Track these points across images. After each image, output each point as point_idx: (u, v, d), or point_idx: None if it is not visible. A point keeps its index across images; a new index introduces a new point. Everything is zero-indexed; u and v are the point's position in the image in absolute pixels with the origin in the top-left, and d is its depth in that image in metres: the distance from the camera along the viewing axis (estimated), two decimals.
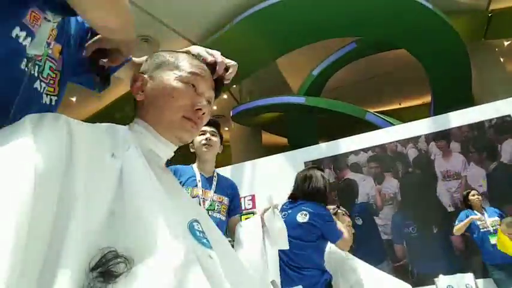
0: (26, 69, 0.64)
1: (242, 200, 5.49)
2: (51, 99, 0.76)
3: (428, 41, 6.34)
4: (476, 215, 3.75)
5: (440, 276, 3.62)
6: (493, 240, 3.50)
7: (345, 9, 6.02)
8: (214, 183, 1.89)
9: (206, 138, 1.88)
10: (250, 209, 5.41)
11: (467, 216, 3.77)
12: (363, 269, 2.27)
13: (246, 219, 5.99)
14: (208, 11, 6.38)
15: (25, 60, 0.64)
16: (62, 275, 0.41)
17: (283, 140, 10.03)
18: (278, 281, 1.60)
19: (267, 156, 5.88)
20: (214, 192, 1.85)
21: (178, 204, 0.67)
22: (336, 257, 2.41)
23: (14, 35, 0.61)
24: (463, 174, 4.57)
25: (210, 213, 1.75)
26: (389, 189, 4.85)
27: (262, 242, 1.68)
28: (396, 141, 4.96)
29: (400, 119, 6.63)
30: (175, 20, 6.37)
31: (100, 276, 0.43)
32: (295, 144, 7.16)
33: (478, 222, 3.68)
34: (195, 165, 1.94)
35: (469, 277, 3.82)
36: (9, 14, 0.61)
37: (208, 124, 1.92)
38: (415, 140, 4.86)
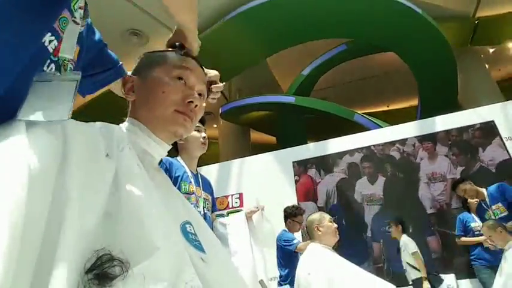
0: (49, 71, 0.63)
1: (230, 198, 5.48)
2: None
3: (417, 46, 6.44)
4: (474, 219, 3.77)
5: None
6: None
7: (335, 11, 6.06)
8: (200, 180, 1.87)
9: (204, 137, 1.87)
10: (238, 207, 5.41)
11: (464, 221, 3.80)
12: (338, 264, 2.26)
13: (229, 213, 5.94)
14: (199, 7, 6.33)
15: (49, 61, 0.63)
16: (57, 277, 0.40)
17: (272, 139, 10.06)
18: (266, 279, 1.62)
19: (255, 154, 5.88)
20: (202, 189, 1.84)
21: (171, 206, 0.67)
22: None
23: (43, 39, 0.61)
24: (448, 177, 4.65)
25: (205, 211, 1.74)
26: (379, 190, 4.91)
27: (249, 240, 1.70)
28: (384, 143, 5.02)
29: (388, 121, 6.72)
30: (166, 14, 6.32)
31: (95, 278, 0.42)
32: (283, 143, 7.18)
33: (474, 224, 3.72)
34: (181, 160, 1.87)
35: (450, 278, 3.91)
36: (43, 20, 0.60)
37: (202, 122, 1.91)
38: (402, 142, 4.94)
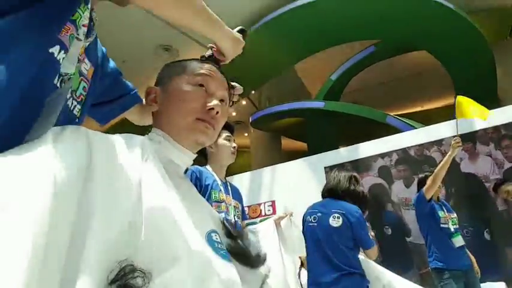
0: (59, 85, 0.64)
1: (262, 205, 5.47)
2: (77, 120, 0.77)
3: (450, 42, 6.20)
4: None
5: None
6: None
7: (362, 12, 5.97)
8: (229, 188, 1.88)
9: (234, 147, 1.89)
10: (270, 214, 5.38)
11: None
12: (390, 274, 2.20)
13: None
14: (226, 20, 6.44)
15: (58, 75, 0.64)
16: None
17: (303, 145, 9.98)
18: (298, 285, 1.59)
19: (287, 161, 5.84)
20: (232, 197, 1.84)
21: (196, 214, 0.66)
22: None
23: (51, 50, 0.62)
24: (491, 177, 4.40)
25: (235, 219, 1.74)
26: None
27: (279, 246, 1.68)
28: (420, 144, 4.83)
29: (422, 122, 6.49)
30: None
31: None
32: (314, 149, 7.10)
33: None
34: (210, 168, 1.88)
35: (500, 285, 3.67)
36: (50, 28, 0.63)
37: (231, 131, 1.93)
38: (438, 142, 4.74)
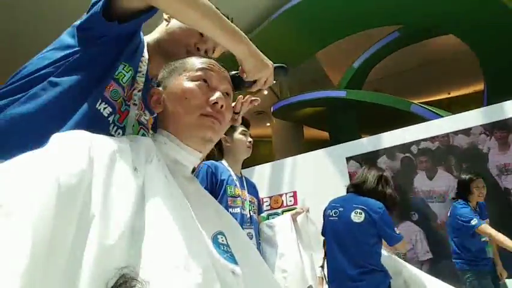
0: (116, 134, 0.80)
1: (284, 196, 5.46)
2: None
3: (478, 24, 5.91)
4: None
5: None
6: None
7: None
8: (245, 183, 1.88)
9: (250, 141, 1.88)
10: (292, 205, 5.37)
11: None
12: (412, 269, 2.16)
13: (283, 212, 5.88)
14: (244, 10, 6.40)
15: (112, 126, 0.80)
16: None
17: (326, 134, 9.87)
18: (315, 285, 1.58)
19: (309, 150, 5.79)
20: (247, 192, 1.84)
21: (202, 217, 0.65)
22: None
23: (98, 107, 0.76)
24: None
25: (251, 214, 1.74)
26: (442, 185, 4.57)
27: (296, 241, 1.68)
28: (445, 134, 4.67)
29: (450, 110, 6.27)
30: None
31: None
32: (336, 138, 7.01)
33: None
34: (225, 163, 1.88)
35: None
36: (100, 88, 0.76)
37: (247, 126, 1.92)
38: (465, 131, 4.56)
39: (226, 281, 0.57)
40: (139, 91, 0.84)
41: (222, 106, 0.73)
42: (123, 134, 0.81)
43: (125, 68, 0.81)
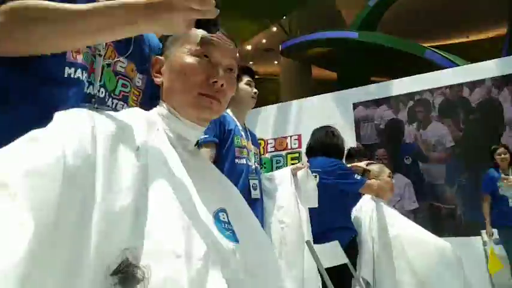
0: (93, 92, 0.73)
1: (288, 139, 5.51)
2: None
3: None
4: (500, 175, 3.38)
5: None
6: None
7: None
8: (248, 133, 1.87)
9: (255, 92, 1.85)
10: (296, 148, 5.44)
11: (492, 178, 3.48)
12: (401, 223, 2.21)
13: (291, 158, 5.98)
14: None
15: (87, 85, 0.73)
16: (82, 278, 0.43)
17: (334, 75, 9.65)
18: (311, 239, 1.66)
19: (316, 90, 5.70)
20: (252, 143, 1.84)
21: (205, 194, 0.65)
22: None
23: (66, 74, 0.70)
24: None
25: (256, 165, 1.77)
26: (438, 135, 4.56)
27: (295, 195, 1.73)
28: (458, 84, 4.53)
29: (468, 55, 6.02)
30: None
31: (119, 283, 0.45)
32: (345, 81, 6.86)
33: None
34: (231, 113, 1.83)
35: None
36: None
37: (252, 76, 1.88)
38: (479, 82, 4.42)
39: (226, 260, 0.59)
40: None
41: (222, 85, 0.70)
42: (94, 90, 0.74)
43: None
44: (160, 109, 0.73)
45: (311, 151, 2.32)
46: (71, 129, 0.53)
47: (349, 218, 2.16)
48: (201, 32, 0.73)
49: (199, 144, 1.58)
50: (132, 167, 0.56)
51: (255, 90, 1.86)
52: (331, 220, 2.02)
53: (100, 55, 0.74)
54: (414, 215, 4.27)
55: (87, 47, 0.71)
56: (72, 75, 0.68)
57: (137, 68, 0.84)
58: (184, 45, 0.71)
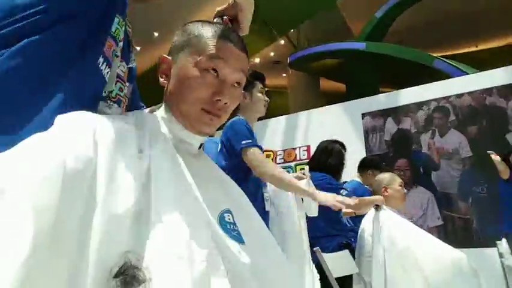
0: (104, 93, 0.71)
1: (297, 150, 5.49)
2: None
3: None
4: None
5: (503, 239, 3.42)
6: None
7: None
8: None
9: (267, 100, 1.85)
10: (305, 159, 5.41)
11: None
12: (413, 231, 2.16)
13: (300, 169, 5.97)
14: None
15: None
16: (83, 282, 0.43)
17: (343, 87, 9.65)
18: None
19: (325, 103, 5.70)
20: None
21: (209, 195, 0.65)
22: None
23: (99, 63, 0.67)
24: None
25: None
26: (452, 143, 4.49)
27: (295, 203, 1.73)
28: (468, 92, 4.49)
29: (477, 64, 5.98)
30: None
31: (121, 285, 0.45)
32: (353, 92, 6.85)
33: None
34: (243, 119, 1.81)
35: None
36: (98, 43, 0.67)
37: (264, 83, 1.89)
38: (488, 91, 4.37)
39: (231, 262, 0.58)
40: (121, 40, 0.74)
41: (226, 103, 0.69)
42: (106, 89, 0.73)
43: (119, 23, 0.71)
44: (163, 112, 0.73)
45: (309, 164, 2.40)
46: (73, 132, 0.53)
47: (337, 226, 2.22)
48: (211, 40, 0.70)
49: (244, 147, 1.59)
50: (135, 169, 0.56)
51: (266, 98, 1.86)
52: (315, 229, 2.02)
53: (117, 56, 0.73)
54: (438, 233, 4.14)
55: (110, 44, 0.70)
56: (100, 66, 0.67)
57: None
58: (195, 54, 0.69)
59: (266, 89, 1.92)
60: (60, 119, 0.55)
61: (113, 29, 0.70)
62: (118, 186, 0.51)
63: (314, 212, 1.71)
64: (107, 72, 0.69)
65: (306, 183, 1.61)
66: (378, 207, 2.18)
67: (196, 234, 0.54)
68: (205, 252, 0.52)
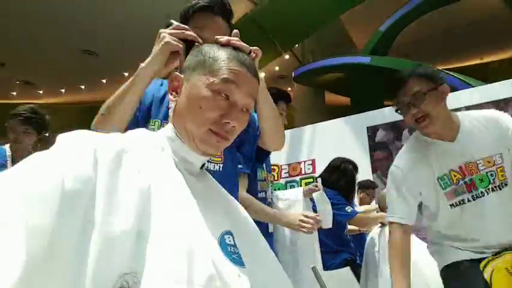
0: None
1: (302, 164, 5.47)
2: (217, 166, 1.15)
3: None
4: None
5: None
6: None
7: None
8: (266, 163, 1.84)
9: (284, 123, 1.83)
10: (310, 173, 5.38)
11: None
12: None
13: (305, 184, 5.90)
14: None
15: None
16: None
17: (348, 100, 9.65)
18: (319, 265, 1.62)
19: (330, 116, 5.70)
20: (267, 171, 1.82)
21: (211, 216, 0.64)
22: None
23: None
24: None
25: (271, 185, 1.74)
26: None
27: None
28: (474, 105, 4.46)
29: (483, 77, 5.96)
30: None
31: None
32: (358, 106, 6.85)
33: None
34: None
35: None
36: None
37: (287, 101, 1.88)
38: (495, 103, 4.34)
39: (231, 285, 0.57)
40: None
41: (234, 126, 0.70)
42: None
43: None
44: (168, 131, 0.73)
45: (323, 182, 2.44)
46: (73, 151, 0.53)
47: (342, 242, 2.25)
48: (226, 63, 0.71)
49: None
50: (135, 189, 0.55)
51: (285, 121, 1.82)
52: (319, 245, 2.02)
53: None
54: None
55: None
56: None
57: None
58: (208, 76, 0.70)
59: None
60: (62, 138, 0.55)
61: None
62: (118, 206, 0.51)
63: (329, 224, 1.72)
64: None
65: (319, 196, 1.61)
66: (383, 224, 2.17)
67: (195, 257, 0.53)
68: (204, 277, 0.52)
